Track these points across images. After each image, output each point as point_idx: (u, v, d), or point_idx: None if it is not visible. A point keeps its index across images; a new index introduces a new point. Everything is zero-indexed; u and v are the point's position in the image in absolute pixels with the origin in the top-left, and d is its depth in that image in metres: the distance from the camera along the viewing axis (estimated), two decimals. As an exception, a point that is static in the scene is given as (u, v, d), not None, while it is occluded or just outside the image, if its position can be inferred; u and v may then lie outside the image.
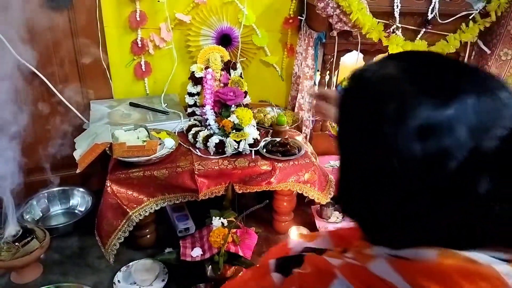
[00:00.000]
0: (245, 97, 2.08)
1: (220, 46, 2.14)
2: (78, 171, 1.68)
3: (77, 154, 1.76)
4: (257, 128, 2.04)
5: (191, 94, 2.11)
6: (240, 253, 1.69)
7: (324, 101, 1.03)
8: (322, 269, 0.69)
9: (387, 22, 1.94)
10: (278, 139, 2.01)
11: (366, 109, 0.59)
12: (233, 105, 2.01)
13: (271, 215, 2.14)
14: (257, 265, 1.13)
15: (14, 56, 1.85)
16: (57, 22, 1.97)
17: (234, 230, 1.70)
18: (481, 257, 0.56)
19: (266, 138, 2.05)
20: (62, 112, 2.16)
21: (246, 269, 1.51)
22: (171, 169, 1.77)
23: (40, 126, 2.11)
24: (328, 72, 2.18)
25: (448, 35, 2.04)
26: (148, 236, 1.99)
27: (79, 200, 2.23)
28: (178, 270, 1.76)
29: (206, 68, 2.06)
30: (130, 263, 1.82)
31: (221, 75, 2.09)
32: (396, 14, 1.92)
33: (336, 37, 2.04)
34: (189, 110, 2.15)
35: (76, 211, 2.20)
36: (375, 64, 0.64)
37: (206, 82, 2.03)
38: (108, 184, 1.71)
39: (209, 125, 1.99)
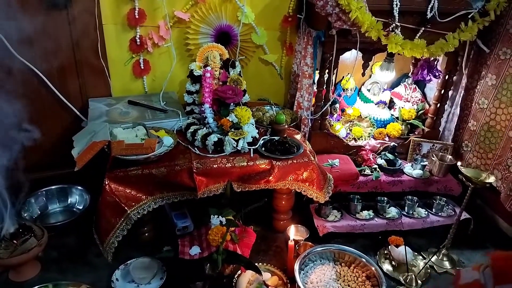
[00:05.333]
0: (244, 95, 2.07)
1: (219, 44, 2.13)
2: (76, 169, 1.68)
3: (75, 152, 1.75)
4: (256, 126, 2.04)
5: (190, 92, 2.11)
6: (239, 252, 1.69)
7: None
8: None
9: (386, 20, 1.94)
10: (277, 138, 2.01)
11: None
12: (232, 104, 2.01)
13: (269, 214, 2.15)
14: None
15: (12, 54, 1.85)
16: (56, 20, 1.96)
17: (233, 228, 1.70)
18: None
19: (265, 137, 2.04)
20: (60, 110, 2.16)
21: None
22: (169, 168, 1.77)
23: (38, 124, 2.10)
24: (327, 70, 2.18)
25: (447, 34, 2.04)
26: (146, 234, 1.99)
27: (78, 198, 2.23)
28: (177, 268, 1.76)
29: (205, 66, 2.05)
30: (129, 261, 1.82)
31: (220, 73, 2.09)
32: (395, 13, 1.92)
33: (335, 36, 2.03)
34: (188, 108, 2.15)
35: (74, 209, 2.19)
36: None
37: (205, 80, 2.02)
38: (107, 182, 1.71)
39: (208, 123, 1.99)
